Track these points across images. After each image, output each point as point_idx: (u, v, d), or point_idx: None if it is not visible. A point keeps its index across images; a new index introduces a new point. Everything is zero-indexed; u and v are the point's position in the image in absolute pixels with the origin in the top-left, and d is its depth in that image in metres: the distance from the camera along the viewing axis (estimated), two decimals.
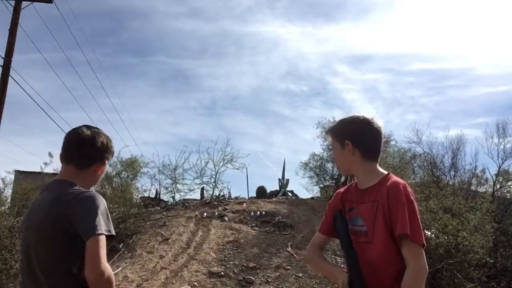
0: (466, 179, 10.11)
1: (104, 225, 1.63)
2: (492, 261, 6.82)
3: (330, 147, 2.10)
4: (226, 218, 11.23)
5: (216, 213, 11.56)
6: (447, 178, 10.26)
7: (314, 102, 42.70)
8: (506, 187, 9.97)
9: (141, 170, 14.20)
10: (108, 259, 1.65)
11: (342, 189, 2.08)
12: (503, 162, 10.06)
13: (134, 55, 45.00)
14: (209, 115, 43.03)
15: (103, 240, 1.60)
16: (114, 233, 1.68)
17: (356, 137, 1.92)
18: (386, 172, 1.93)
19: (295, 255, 9.03)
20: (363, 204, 1.88)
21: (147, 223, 10.69)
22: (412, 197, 1.76)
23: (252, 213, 11.67)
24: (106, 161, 1.93)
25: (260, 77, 43.39)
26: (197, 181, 14.93)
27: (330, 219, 2.03)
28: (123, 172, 13.02)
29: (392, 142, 12.41)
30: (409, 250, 1.71)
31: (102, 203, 1.70)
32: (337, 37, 45.05)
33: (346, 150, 1.92)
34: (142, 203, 12.18)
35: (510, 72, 33.16)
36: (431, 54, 39.79)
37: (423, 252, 1.72)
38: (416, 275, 1.68)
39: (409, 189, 1.79)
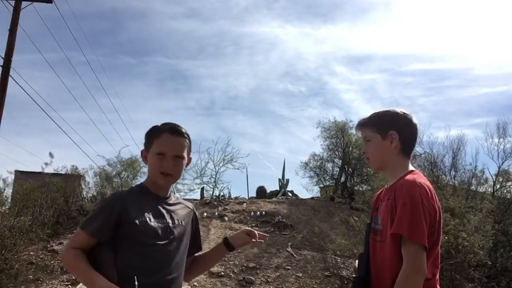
0: (466, 179, 10.11)
1: (84, 222, 1.74)
2: (490, 263, 6.81)
3: (363, 140, 2.00)
4: (226, 218, 11.24)
5: (216, 213, 11.57)
6: (447, 178, 10.25)
7: (313, 102, 42.73)
8: (506, 187, 9.97)
9: (141, 170, 14.21)
10: None
11: (380, 190, 2.04)
12: (503, 162, 10.07)
13: (133, 55, 44.99)
14: (208, 115, 43.09)
15: (77, 232, 1.74)
16: (89, 231, 1.70)
17: (401, 128, 1.87)
18: (411, 169, 1.86)
19: (295, 255, 9.03)
20: (383, 202, 1.86)
21: None
22: (419, 196, 1.67)
23: (252, 213, 11.67)
24: (150, 148, 1.82)
25: (258, 78, 43.40)
26: (197, 181, 14.97)
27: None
28: (123, 172, 13.03)
29: None
30: (405, 250, 1.64)
31: (102, 204, 1.77)
32: (335, 37, 45.04)
33: (387, 142, 1.86)
34: None
35: (508, 72, 33.21)
36: (429, 54, 39.85)
37: (422, 253, 1.63)
38: (407, 278, 1.61)
39: (421, 189, 1.69)
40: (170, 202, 1.87)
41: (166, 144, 1.79)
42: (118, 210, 1.68)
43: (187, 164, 1.90)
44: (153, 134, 1.82)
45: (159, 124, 1.86)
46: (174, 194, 2.02)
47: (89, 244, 1.69)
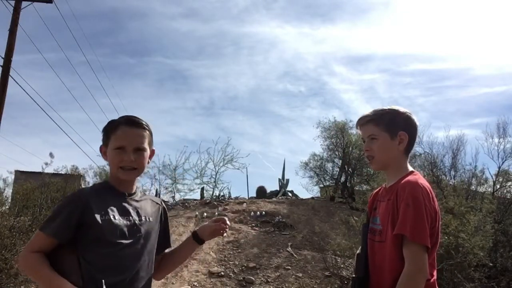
0: (466, 179, 10.10)
1: (43, 223, 1.65)
2: (491, 264, 6.81)
3: (367, 138, 1.91)
4: (226, 218, 11.22)
5: (216, 213, 11.56)
6: (447, 178, 10.25)
7: (312, 102, 42.73)
8: (506, 187, 9.96)
9: None
10: None
11: (377, 189, 2.03)
12: (503, 162, 10.05)
13: (132, 55, 45.08)
14: (208, 115, 43.03)
15: (36, 234, 1.64)
16: (48, 232, 1.59)
17: (409, 129, 1.87)
18: (410, 170, 1.86)
19: (295, 255, 9.03)
20: (382, 203, 1.85)
21: None
22: (422, 197, 1.67)
23: (252, 213, 11.67)
24: (108, 143, 1.74)
25: (258, 78, 43.42)
26: (197, 181, 14.99)
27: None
28: None
29: None
30: (407, 250, 1.65)
31: (61, 203, 1.67)
32: (334, 37, 45.12)
33: (395, 142, 1.84)
34: None
35: (507, 72, 33.23)
36: (429, 54, 39.96)
37: (424, 254, 1.64)
38: (409, 277, 1.61)
39: (423, 190, 1.70)
40: (136, 198, 1.79)
41: (125, 137, 1.70)
42: (79, 209, 1.60)
43: (151, 156, 1.81)
44: (110, 128, 1.74)
45: (116, 117, 1.78)
46: (145, 191, 1.97)
47: (49, 246, 1.61)
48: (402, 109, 1.91)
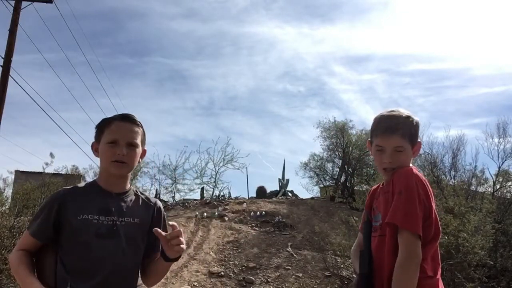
0: (466, 179, 10.10)
1: (29, 222, 1.70)
2: (492, 262, 6.81)
3: (392, 150, 1.78)
4: (226, 218, 11.24)
5: (216, 213, 11.57)
6: (447, 178, 10.25)
7: (311, 102, 42.62)
8: (506, 187, 9.96)
9: (141, 170, 14.23)
10: None
11: (375, 186, 2.01)
12: (503, 162, 10.06)
13: (132, 55, 44.98)
14: (207, 116, 42.91)
15: (24, 233, 1.68)
16: (30, 231, 1.63)
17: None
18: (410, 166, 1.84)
19: (295, 255, 9.04)
20: (381, 197, 1.84)
21: None
22: (414, 185, 1.64)
23: (252, 213, 11.68)
24: (101, 139, 1.71)
25: (257, 78, 43.30)
26: (197, 181, 15.03)
27: (364, 218, 1.96)
28: None
29: None
30: (400, 238, 1.63)
31: (44, 202, 1.69)
32: (333, 38, 45.02)
33: (414, 150, 1.84)
34: None
35: (507, 73, 33.21)
36: (428, 54, 39.88)
37: (416, 241, 1.60)
38: (402, 266, 1.58)
39: (416, 178, 1.67)
40: (125, 198, 1.71)
41: (118, 131, 1.68)
42: (56, 208, 1.59)
43: (142, 155, 1.76)
44: (104, 124, 1.72)
45: (109, 118, 1.76)
46: (145, 191, 1.89)
47: (33, 245, 1.62)
48: (412, 115, 1.87)
